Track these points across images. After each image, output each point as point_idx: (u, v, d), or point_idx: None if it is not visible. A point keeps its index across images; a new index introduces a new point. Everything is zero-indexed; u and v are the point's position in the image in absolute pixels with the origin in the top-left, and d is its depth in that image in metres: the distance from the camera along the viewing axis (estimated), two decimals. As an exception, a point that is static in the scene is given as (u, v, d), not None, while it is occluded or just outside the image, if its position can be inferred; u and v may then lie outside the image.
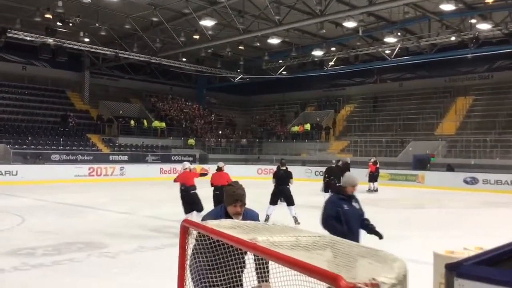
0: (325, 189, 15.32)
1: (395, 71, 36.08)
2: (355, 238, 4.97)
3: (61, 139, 28.09)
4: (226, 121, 41.04)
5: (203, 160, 32.41)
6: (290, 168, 13.23)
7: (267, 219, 11.39)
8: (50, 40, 25.99)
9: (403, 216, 14.21)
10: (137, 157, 29.47)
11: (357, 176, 5.64)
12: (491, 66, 32.75)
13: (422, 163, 26.59)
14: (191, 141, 34.39)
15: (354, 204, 5.25)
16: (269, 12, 22.84)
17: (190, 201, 10.63)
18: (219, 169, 11.64)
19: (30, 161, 24.74)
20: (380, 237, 5.31)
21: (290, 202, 11.74)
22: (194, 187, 10.83)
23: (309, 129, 35.67)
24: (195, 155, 32.24)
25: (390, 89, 37.57)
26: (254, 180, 28.66)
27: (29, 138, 27.00)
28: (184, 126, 36.18)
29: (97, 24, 25.36)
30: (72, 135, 29.80)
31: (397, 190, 23.06)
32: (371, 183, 21.63)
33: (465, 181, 23.17)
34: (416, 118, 32.02)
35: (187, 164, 11.32)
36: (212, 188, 11.28)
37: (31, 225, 11.16)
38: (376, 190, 21.33)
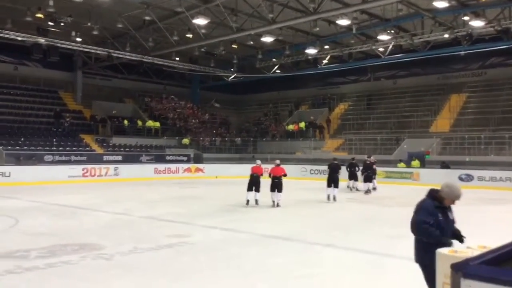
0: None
1: (389, 68, 36.11)
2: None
3: (54, 140, 27.86)
4: (220, 120, 40.91)
5: (198, 159, 32.30)
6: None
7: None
8: (42, 40, 25.75)
9: (401, 214, 14.05)
10: (131, 157, 29.29)
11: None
12: (484, 63, 32.86)
13: (418, 160, 26.62)
14: (186, 140, 34.25)
15: (449, 213, 4.78)
16: (262, 10, 22.78)
17: (257, 184, 15.26)
18: (277, 165, 15.71)
19: (23, 162, 24.51)
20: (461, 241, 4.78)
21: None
22: (260, 176, 15.53)
23: (303, 127, 35.64)
24: (189, 155, 32.12)
25: (384, 87, 37.62)
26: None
27: (22, 139, 26.75)
28: (178, 125, 36.03)
29: (89, 24, 25.18)
30: (65, 136, 29.57)
31: (393, 188, 23.07)
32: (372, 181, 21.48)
33: (460, 178, 23.20)
34: (410, 116, 32.06)
35: (258, 162, 16.27)
36: (271, 178, 15.36)
37: (24, 227, 11.02)
38: (375, 189, 21.22)
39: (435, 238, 4.52)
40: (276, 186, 15.06)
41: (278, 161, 16.15)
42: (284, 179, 15.48)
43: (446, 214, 4.71)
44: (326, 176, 17.68)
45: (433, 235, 4.56)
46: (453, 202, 4.73)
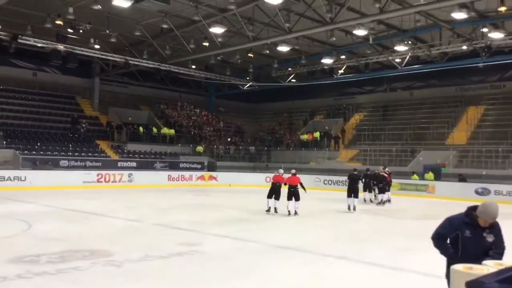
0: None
1: (406, 79, 35.80)
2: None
3: (70, 145, 28.14)
4: (235, 128, 40.97)
5: (211, 167, 32.31)
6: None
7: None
8: (61, 47, 26.14)
9: (416, 227, 13.93)
10: (145, 164, 29.44)
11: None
12: (503, 75, 32.38)
13: (433, 173, 26.22)
14: (200, 148, 34.32)
15: (484, 234, 4.35)
16: (279, 19, 22.78)
17: (277, 192, 15.59)
18: (293, 174, 15.97)
19: (39, 167, 24.76)
20: None
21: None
22: (282, 185, 15.84)
23: (318, 137, 35.46)
24: (203, 162, 32.16)
25: (400, 98, 37.28)
26: (262, 188, 28.50)
27: (38, 144, 27.07)
28: (192, 133, 36.14)
29: (107, 31, 25.46)
30: (81, 141, 29.86)
31: (407, 200, 22.74)
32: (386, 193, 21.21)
33: (477, 192, 22.78)
34: (426, 128, 31.69)
35: (281, 170, 16.39)
36: (287, 186, 15.57)
37: (37, 231, 11.08)
38: (389, 201, 20.93)
39: (444, 254, 4.35)
40: (293, 195, 15.33)
41: (293, 171, 16.34)
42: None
43: (479, 234, 4.33)
44: (346, 186, 18.05)
45: (442, 249, 4.40)
46: (486, 223, 4.31)
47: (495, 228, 4.37)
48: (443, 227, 4.48)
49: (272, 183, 15.93)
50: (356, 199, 17.21)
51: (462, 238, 4.34)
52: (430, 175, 25.79)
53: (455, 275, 3.85)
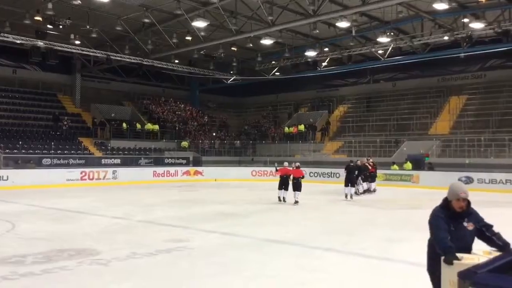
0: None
1: (388, 71, 36.11)
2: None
3: (52, 143, 27.74)
4: (220, 123, 40.85)
5: (197, 162, 32.19)
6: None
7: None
8: (41, 43, 25.68)
9: (401, 217, 14.07)
10: (129, 161, 29.19)
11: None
12: (483, 65, 32.82)
13: (416, 163, 26.52)
14: (185, 143, 34.15)
15: (465, 224, 4.26)
16: (262, 12, 22.73)
17: (286, 184, 17.07)
18: (297, 167, 17.35)
19: (21, 165, 24.38)
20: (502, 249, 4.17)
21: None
22: (289, 176, 17.13)
23: (303, 130, 35.56)
24: (188, 158, 32.02)
25: (383, 89, 37.58)
26: (249, 182, 28.54)
27: (20, 142, 26.62)
28: (177, 128, 35.93)
29: (87, 27, 25.11)
30: (63, 139, 29.46)
31: (393, 190, 22.97)
32: (370, 183, 21.44)
33: (460, 181, 23.06)
34: (410, 118, 32.01)
35: (286, 163, 17.77)
36: (292, 178, 17.00)
37: (21, 231, 10.89)
38: (374, 191, 21.21)
39: (443, 247, 4.03)
40: (297, 186, 16.86)
41: (298, 164, 17.83)
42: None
43: (461, 225, 4.23)
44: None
45: (443, 242, 4.09)
46: (460, 203, 4.24)
47: (472, 215, 4.33)
48: (434, 220, 4.29)
49: (280, 176, 17.38)
50: (352, 188, 18.96)
51: (450, 233, 4.23)
52: (408, 165, 26.14)
53: (446, 266, 3.86)
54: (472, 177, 23.13)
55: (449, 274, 3.69)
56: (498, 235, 4.26)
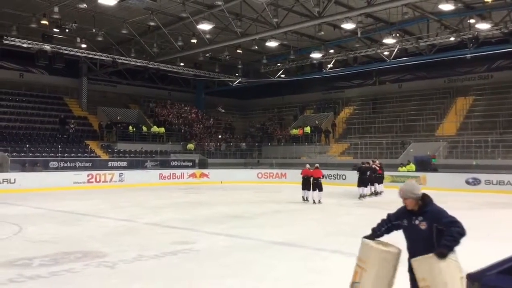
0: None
1: (394, 72, 35.96)
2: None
3: (59, 146, 27.86)
4: (225, 125, 40.87)
5: (203, 165, 32.22)
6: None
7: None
8: (47, 47, 25.82)
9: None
10: (136, 163, 29.26)
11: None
12: (490, 66, 32.63)
13: (423, 164, 26.38)
14: (190, 145, 34.19)
15: (417, 222, 4.29)
16: (267, 15, 22.72)
17: (308, 184, 17.91)
18: (317, 168, 18.23)
19: (28, 168, 24.51)
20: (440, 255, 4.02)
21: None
22: (309, 177, 18.04)
23: (308, 132, 35.50)
24: (194, 160, 32.06)
25: (389, 91, 37.44)
26: (255, 184, 28.51)
27: (27, 145, 26.77)
28: (182, 131, 36.00)
29: (94, 30, 25.23)
30: (70, 142, 29.59)
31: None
32: (377, 185, 21.34)
33: (467, 182, 22.97)
34: (416, 120, 31.86)
35: (308, 165, 18.81)
36: (312, 178, 17.88)
37: (28, 234, 10.94)
38: (381, 193, 21.10)
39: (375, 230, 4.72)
40: (317, 185, 17.77)
41: (317, 164, 18.75)
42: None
43: (411, 222, 4.33)
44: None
45: (376, 226, 4.74)
46: (407, 202, 4.37)
47: (427, 215, 4.24)
48: (392, 213, 4.65)
49: (303, 177, 18.22)
50: (365, 188, 19.72)
51: (402, 227, 4.48)
52: (411, 166, 26.02)
53: (364, 246, 4.59)
54: (480, 178, 22.98)
55: (418, 271, 4.16)
56: (446, 238, 4.05)
